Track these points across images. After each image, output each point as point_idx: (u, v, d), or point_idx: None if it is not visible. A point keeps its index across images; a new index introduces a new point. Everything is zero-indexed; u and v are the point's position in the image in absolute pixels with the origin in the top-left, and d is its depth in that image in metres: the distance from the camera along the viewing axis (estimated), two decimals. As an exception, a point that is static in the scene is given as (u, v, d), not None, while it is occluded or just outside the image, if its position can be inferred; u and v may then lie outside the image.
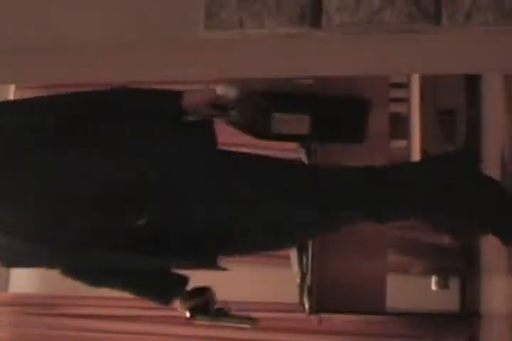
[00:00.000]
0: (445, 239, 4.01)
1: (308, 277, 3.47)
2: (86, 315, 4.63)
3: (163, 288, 2.26)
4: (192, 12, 1.35)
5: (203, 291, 2.24)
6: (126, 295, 2.28)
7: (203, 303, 2.22)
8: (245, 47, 1.44)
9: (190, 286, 2.27)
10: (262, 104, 2.30)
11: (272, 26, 1.30)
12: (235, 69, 1.63)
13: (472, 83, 3.69)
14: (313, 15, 1.30)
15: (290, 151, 4.20)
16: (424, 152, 3.69)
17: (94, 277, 2.18)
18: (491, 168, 3.33)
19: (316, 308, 3.53)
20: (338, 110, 2.42)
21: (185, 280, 2.24)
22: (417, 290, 4.08)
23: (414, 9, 1.28)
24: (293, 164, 2.48)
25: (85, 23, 1.43)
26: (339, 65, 1.61)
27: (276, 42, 1.39)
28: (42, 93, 4.77)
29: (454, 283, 4.04)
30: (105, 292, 2.42)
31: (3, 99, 3.05)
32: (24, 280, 4.80)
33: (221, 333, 4.19)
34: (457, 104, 3.75)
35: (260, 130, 2.32)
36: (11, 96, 4.76)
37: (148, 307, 4.04)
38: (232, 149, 2.32)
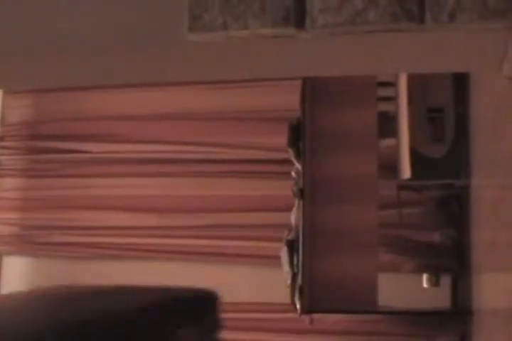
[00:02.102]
0: (436, 237, 4.03)
1: (299, 277, 3.47)
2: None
3: None
4: (176, 15, 1.35)
5: None
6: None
7: None
8: (230, 49, 1.44)
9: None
10: None
11: (256, 28, 1.30)
12: (220, 71, 1.63)
13: (460, 81, 3.70)
14: (297, 16, 1.30)
15: (280, 151, 4.20)
16: (413, 150, 3.70)
17: None
18: (481, 165, 3.34)
19: (308, 308, 3.54)
20: None
21: None
22: (409, 288, 4.08)
23: (398, 9, 1.28)
24: None
25: (69, 28, 1.43)
26: (324, 66, 1.61)
27: (261, 44, 1.40)
28: (30, 98, 4.76)
29: (446, 281, 4.05)
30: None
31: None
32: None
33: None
34: (445, 102, 3.76)
35: None
36: (0, 102, 4.75)
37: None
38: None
